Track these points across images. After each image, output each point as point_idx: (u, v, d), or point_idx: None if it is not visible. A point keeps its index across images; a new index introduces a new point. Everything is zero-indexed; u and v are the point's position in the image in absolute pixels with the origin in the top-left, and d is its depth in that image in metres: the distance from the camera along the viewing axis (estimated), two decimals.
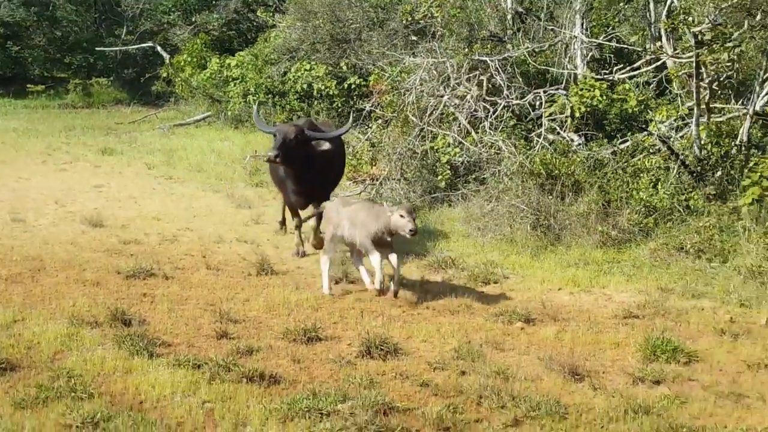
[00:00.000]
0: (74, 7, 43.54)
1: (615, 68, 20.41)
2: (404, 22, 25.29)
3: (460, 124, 19.49)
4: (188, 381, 9.22)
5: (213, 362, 9.64)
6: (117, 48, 41.13)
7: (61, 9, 43.04)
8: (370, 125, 20.90)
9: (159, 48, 38.17)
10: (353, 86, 26.67)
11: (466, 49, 20.70)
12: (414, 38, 25.16)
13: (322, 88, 26.81)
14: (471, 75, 20.29)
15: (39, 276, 13.17)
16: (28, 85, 39.09)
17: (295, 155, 14.55)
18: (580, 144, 18.43)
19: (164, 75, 36.13)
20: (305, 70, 27.42)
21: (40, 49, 42.24)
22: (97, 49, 41.06)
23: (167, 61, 36.28)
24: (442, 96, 19.99)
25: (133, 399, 8.82)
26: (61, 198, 19.05)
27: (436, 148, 19.12)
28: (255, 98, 28.06)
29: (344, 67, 27.22)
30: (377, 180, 18.98)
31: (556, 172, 16.97)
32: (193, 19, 37.77)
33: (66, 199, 18.96)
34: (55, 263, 13.90)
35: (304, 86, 27.12)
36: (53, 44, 42.57)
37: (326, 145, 14.73)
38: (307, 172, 14.88)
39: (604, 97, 19.01)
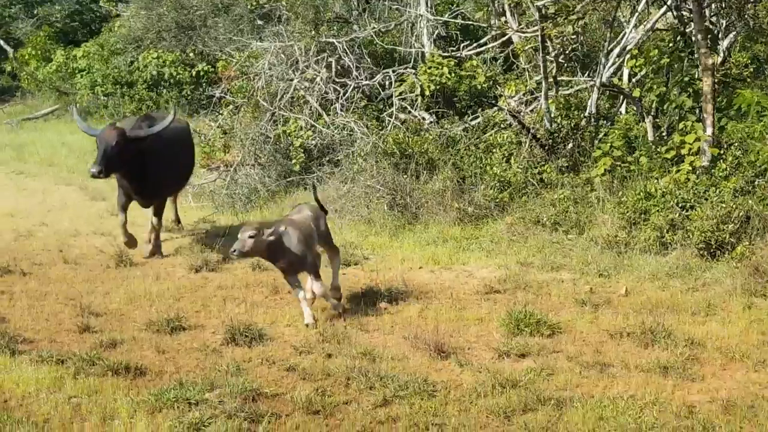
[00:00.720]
0: None
1: (462, 45, 20.52)
2: (249, 6, 25.16)
3: (311, 107, 19.37)
4: (53, 377, 9.10)
5: (77, 357, 9.51)
6: None
7: None
8: (221, 112, 20.62)
9: (2, 42, 37.21)
10: (202, 73, 26.44)
11: (313, 32, 20.56)
12: (260, 23, 25.04)
13: (174, 73, 26.50)
14: (319, 57, 20.16)
15: None
16: None
17: (121, 161, 13.73)
18: (431, 122, 18.51)
19: (9, 69, 35.37)
20: (153, 58, 27.06)
21: None
22: None
23: (11, 55, 35.50)
24: (291, 80, 19.82)
25: None
26: None
27: (288, 132, 18.95)
28: (103, 89, 27.72)
29: (192, 55, 26.93)
30: (231, 166, 18.73)
31: (410, 150, 17.01)
32: (35, 12, 36.94)
33: None
34: None
35: (153, 74, 26.73)
36: None
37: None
38: (144, 172, 14.12)
39: (453, 75, 19.11)
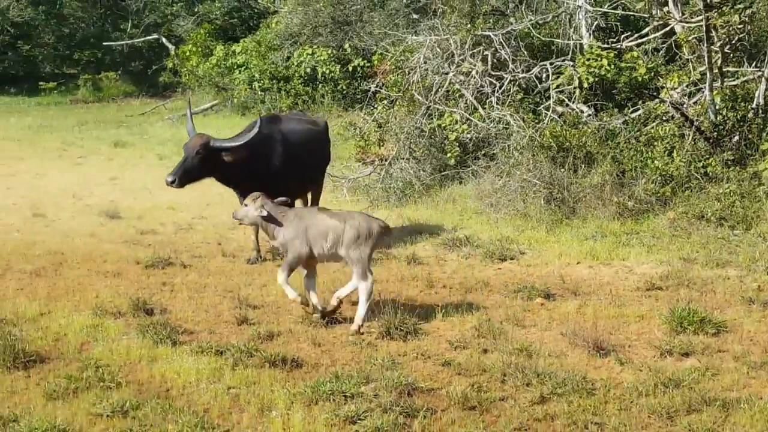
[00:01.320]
0: (80, 3, 43.92)
1: (622, 36, 20.10)
2: (405, 1, 25.16)
3: (466, 100, 19.26)
4: (212, 367, 9.20)
5: (235, 348, 9.59)
6: (123, 42, 41.50)
7: (67, 6, 43.37)
8: (375, 106, 20.66)
9: (164, 39, 38.43)
10: (357, 68, 26.65)
11: (469, 25, 20.44)
12: (415, 17, 25.11)
13: (326, 71, 26.77)
14: (475, 50, 20.02)
15: (62, 269, 13.16)
16: (40, 83, 39.50)
17: (204, 170, 13.24)
18: (590, 115, 18.16)
19: (170, 66, 36.34)
20: (308, 54, 27.39)
21: (50, 47, 42.86)
22: (104, 43, 41.45)
23: (173, 52, 36.62)
24: (447, 73, 19.74)
25: (160, 387, 8.81)
26: (78, 192, 19.25)
27: (443, 125, 18.86)
28: (260, 84, 28.29)
29: (348, 49, 27.17)
30: (386, 160, 18.70)
31: (567, 144, 16.70)
32: (196, 9, 38.16)
33: (83, 193, 19.17)
34: (77, 256, 13.92)
35: (308, 70, 27.05)
36: (62, 41, 43.10)
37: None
38: (247, 179, 13.09)
39: (612, 66, 18.70)
